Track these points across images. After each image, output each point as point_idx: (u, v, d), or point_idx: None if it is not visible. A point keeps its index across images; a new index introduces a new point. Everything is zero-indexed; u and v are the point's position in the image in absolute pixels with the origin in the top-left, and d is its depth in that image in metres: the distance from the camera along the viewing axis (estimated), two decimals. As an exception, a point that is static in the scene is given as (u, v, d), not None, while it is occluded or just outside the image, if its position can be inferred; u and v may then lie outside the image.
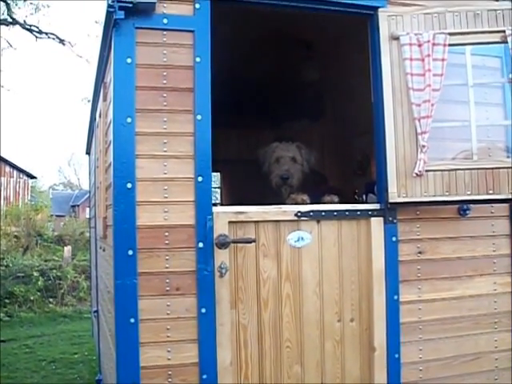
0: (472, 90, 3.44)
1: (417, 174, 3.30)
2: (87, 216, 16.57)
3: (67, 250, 15.28)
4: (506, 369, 3.66)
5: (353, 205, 3.52)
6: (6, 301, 12.23)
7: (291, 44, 5.40)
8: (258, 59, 5.48)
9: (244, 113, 5.94)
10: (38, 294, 12.76)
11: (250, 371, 3.27)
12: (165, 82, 3.14)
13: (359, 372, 3.44)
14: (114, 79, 3.09)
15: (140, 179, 3.07)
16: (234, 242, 3.21)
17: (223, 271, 3.14)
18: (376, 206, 3.49)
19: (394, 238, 3.45)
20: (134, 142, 3.07)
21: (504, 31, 3.38)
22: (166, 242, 3.09)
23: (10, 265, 13.83)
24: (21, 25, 18.48)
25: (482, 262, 3.65)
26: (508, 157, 3.50)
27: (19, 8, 18.42)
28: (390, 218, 3.45)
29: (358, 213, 3.46)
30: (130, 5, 2.99)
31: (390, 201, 3.37)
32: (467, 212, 3.59)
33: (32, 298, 12.53)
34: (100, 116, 4.35)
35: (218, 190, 7.14)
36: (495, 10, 3.43)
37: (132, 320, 3.01)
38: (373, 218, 3.45)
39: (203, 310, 3.12)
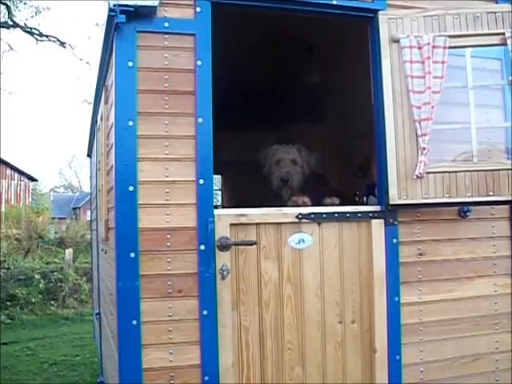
0: (472, 92, 3.45)
1: (417, 176, 3.31)
2: (88, 218, 16.59)
3: (68, 252, 15.26)
4: (507, 370, 3.66)
5: (354, 207, 3.53)
6: (8, 303, 12.23)
7: (292, 47, 5.42)
8: (258, 62, 5.50)
9: (245, 115, 5.94)
10: (40, 296, 12.75)
11: (251, 373, 3.28)
12: (166, 85, 3.15)
13: (360, 373, 3.45)
14: (115, 82, 3.10)
15: (142, 182, 3.08)
16: (236, 244, 3.22)
17: (225, 273, 3.16)
18: (377, 208, 3.51)
19: (394, 240, 3.46)
20: (136, 144, 3.08)
21: (504, 33, 3.39)
22: (168, 244, 3.11)
23: (12, 267, 13.83)
24: (21, 28, 18.52)
25: (482, 263, 3.66)
26: (508, 158, 3.51)
27: (20, 11, 18.49)
28: (391, 220, 3.46)
29: (359, 215, 3.47)
30: (132, 9, 3.00)
31: (391, 203, 3.38)
32: (467, 214, 3.60)
33: (33, 300, 12.52)
34: (101, 119, 4.37)
35: (220, 193, 7.15)
36: (495, 13, 3.44)
37: (134, 322, 3.02)
38: (373, 220, 3.46)
39: (205, 312, 3.13)
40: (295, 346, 3.35)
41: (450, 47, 3.37)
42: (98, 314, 6.08)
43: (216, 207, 3.27)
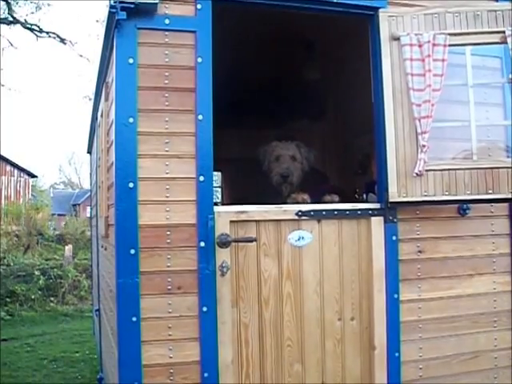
0: (472, 90, 3.45)
1: (417, 174, 3.31)
2: (88, 215, 16.60)
3: (68, 248, 15.28)
4: (506, 367, 3.68)
5: (353, 204, 3.54)
6: (8, 300, 12.24)
7: (292, 44, 5.41)
8: (259, 59, 5.49)
9: (245, 112, 5.94)
10: (39, 292, 12.77)
11: (251, 369, 3.29)
12: (166, 82, 3.16)
13: (359, 370, 3.46)
14: (116, 79, 3.11)
15: (142, 179, 3.09)
16: (235, 241, 3.23)
17: (224, 270, 3.16)
18: (376, 206, 3.51)
19: (394, 238, 3.46)
20: (136, 141, 3.08)
21: (504, 32, 3.39)
22: (168, 241, 3.11)
23: (11, 264, 13.85)
24: (22, 24, 18.49)
25: (481, 261, 3.67)
26: (508, 156, 3.52)
27: (20, 7, 18.45)
28: (391, 218, 3.46)
29: (359, 212, 3.48)
30: (132, 5, 3.00)
31: (391, 200, 3.39)
32: (467, 211, 3.61)
33: (33, 296, 12.54)
34: (102, 116, 4.37)
35: (219, 190, 7.14)
36: (495, 11, 3.44)
37: (134, 319, 3.03)
38: (373, 218, 3.46)
39: (204, 309, 3.13)
40: (294, 342, 3.36)
41: (450, 45, 3.37)
42: (98, 310, 6.09)
43: (216, 204, 3.27)
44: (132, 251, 3.04)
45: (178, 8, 3.19)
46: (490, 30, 3.43)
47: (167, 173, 3.13)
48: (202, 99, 3.18)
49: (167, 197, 3.13)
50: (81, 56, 33.14)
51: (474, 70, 3.47)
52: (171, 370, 3.09)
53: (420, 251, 3.53)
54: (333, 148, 6.27)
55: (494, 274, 3.69)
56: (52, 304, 12.76)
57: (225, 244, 3.16)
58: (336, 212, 3.45)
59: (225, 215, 3.22)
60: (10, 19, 18.05)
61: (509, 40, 3.38)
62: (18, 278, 13.00)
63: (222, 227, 3.19)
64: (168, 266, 3.11)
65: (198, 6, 3.20)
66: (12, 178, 28.24)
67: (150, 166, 3.11)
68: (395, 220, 3.47)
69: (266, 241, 3.33)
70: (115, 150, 3.10)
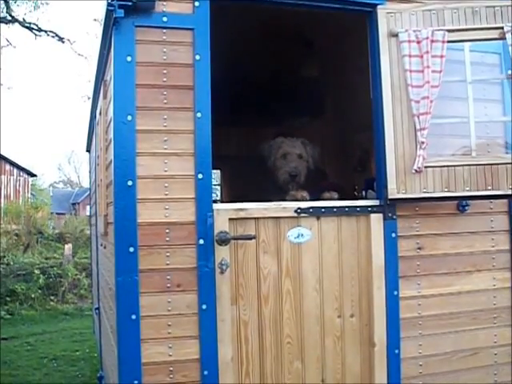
0: (471, 86, 3.45)
1: (416, 171, 3.31)
2: (87, 214, 16.59)
3: (68, 247, 15.29)
4: (505, 364, 3.68)
5: (352, 201, 3.54)
6: (8, 299, 12.26)
7: (291, 41, 5.41)
8: (257, 57, 5.49)
9: (244, 110, 5.93)
10: (39, 291, 12.78)
11: (250, 367, 3.29)
12: (165, 79, 3.15)
13: (359, 367, 3.46)
14: (114, 77, 3.10)
15: (141, 177, 3.08)
16: (235, 238, 3.23)
17: (224, 268, 3.16)
18: (375, 203, 3.51)
19: (393, 234, 3.46)
20: (135, 139, 3.08)
21: (502, 28, 3.39)
22: (167, 238, 3.11)
23: (11, 263, 13.86)
24: (20, 23, 18.47)
25: (481, 257, 3.67)
26: (507, 153, 3.52)
27: (18, 6, 18.42)
28: (390, 214, 3.46)
29: (358, 209, 3.48)
30: (130, 3, 2.99)
31: (390, 197, 3.38)
32: (466, 208, 3.60)
33: (33, 295, 12.55)
34: (100, 114, 4.37)
35: (219, 187, 7.14)
36: (493, 7, 3.43)
37: (133, 316, 3.03)
38: (372, 215, 3.46)
39: (204, 307, 3.13)
40: (294, 340, 3.36)
41: (449, 41, 3.36)
42: (98, 308, 6.09)
43: (215, 202, 3.27)
44: (131, 249, 3.04)
45: (175, 5, 3.18)
46: (489, 26, 3.42)
47: (166, 171, 3.13)
48: (201, 97, 3.18)
49: (166, 194, 3.12)
50: (79, 55, 33.13)
51: (473, 67, 3.47)
52: (171, 368, 3.09)
53: (419, 248, 3.53)
54: (332, 145, 6.26)
55: (493, 271, 3.69)
56: (52, 303, 12.77)
57: (224, 241, 3.16)
58: (335, 209, 3.44)
59: (224, 213, 3.22)
60: (9, 18, 18.03)
61: (507, 36, 3.37)
62: (17, 277, 13.01)
63: (221, 225, 3.18)
64: (167, 264, 3.10)
65: (196, 4, 3.20)
66: (11, 177, 28.23)
67: (148, 163, 3.10)
68: (394, 217, 3.47)
69: (266, 238, 3.33)
70: (114, 148, 3.10)
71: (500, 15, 3.42)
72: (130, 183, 3.05)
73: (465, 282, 3.62)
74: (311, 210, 3.39)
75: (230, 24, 4.18)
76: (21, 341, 9.60)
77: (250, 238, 3.26)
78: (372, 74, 3.55)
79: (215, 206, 3.22)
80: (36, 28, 18.85)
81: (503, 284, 3.70)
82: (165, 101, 3.15)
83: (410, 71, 3.33)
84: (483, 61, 3.60)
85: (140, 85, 3.10)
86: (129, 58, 3.08)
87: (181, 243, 3.13)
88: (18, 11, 18.53)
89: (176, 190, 3.14)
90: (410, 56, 3.34)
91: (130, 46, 3.09)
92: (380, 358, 3.42)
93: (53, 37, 19.26)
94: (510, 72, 3.46)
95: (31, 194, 29.88)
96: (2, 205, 23.09)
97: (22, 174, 29.02)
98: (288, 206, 3.38)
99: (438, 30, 3.37)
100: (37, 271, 13.17)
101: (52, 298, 12.92)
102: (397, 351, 3.44)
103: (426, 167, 3.32)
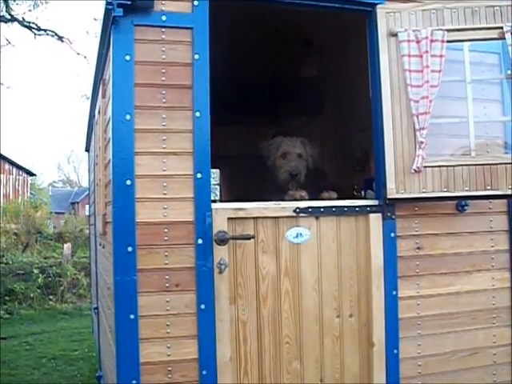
0: (470, 86, 3.44)
1: (415, 170, 3.30)
2: (87, 213, 16.59)
3: (67, 247, 15.30)
4: (505, 364, 3.68)
5: (351, 201, 3.53)
6: (6, 298, 12.24)
7: (291, 41, 5.41)
8: (257, 57, 5.49)
9: (243, 109, 5.94)
10: (38, 291, 12.77)
11: (249, 367, 3.28)
12: (163, 79, 3.14)
13: (358, 367, 3.45)
14: (112, 76, 3.10)
15: (139, 176, 3.08)
16: (233, 238, 3.22)
17: (222, 267, 3.16)
18: (374, 202, 3.50)
19: (392, 234, 3.46)
20: (133, 138, 3.07)
21: (502, 27, 3.38)
22: (166, 238, 3.10)
23: (10, 262, 13.86)
24: (19, 22, 18.47)
25: (480, 257, 3.66)
26: (506, 153, 3.51)
27: (17, 5, 18.42)
28: (389, 214, 3.46)
29: (357, 209, 3.47)
30: (129, 2, 2.99)
31: (389, 197, 3.38)
32: (465, 208, 3.60)
33: (32, 295, 12.54)
34: (99, 113, 4.36)
35: (217, 187, 7.15)
36: (493, 7, 3.43)
37: (132, 316, 3.02)
38: (371, 214, 3.46)
39: (202, 306, 3.13)
40: (293, 340, 3.35)
41: (448, 41, 3.36)
42: (97, 308, 6.09)
43: (214, 201, 3.26)
44: (129, 249, 3.03)
45: (174, 4, 3.17)
46: (488, 25, 3.41)
47: (164, 170, 3.12)
48: (199, 96, 3.17)
49: (165, 194, 3.12)
50: (78, 54, 33.08)
51: (472, 66, 3.46)
52: (169, 368, 3.08)
53: (418, 248, 3.52)
54: (331, 145, 6.26)
55: (492, 271, 3.68)
56: (51, 302, 12.76)
57: (223, 241, 3.16)
58: (334, 209, 3.44)
59: (222, 212, 3.21)
60: (8, 17, 18.03)
61: (507, 36, 3.36)
62: (16, 277, 13.00)
63: (219, 224, 3.18)
64: (166, 264, 3.10)
65: (195, 3, 3.19)
66: (11, 177, 28.22)
67: (147, 163, 3.10)
68: (393, 216, 3.47)
69: (264, 238, 3.32)
70: (112, 148, 3.09)
71: (499, 15, 3.42)
72: (128, 182, 3.05)
73: (464, 282, 3.62)
74: (310, 210, 3.38)
75: (229, 23, 4.18)
76: (20, 340, 9.59)
77: (249, 238, 3.25)
78: (371, 74, 3.55)
79: (214, 205, 3.21)
80: (35, 27, 18.87)
81: (502, 284, 3.70)
82: (163, 100, 3.14)
83: (410, 71, 3.33)
84: (482, 61, 3.59)
85: (139, 84, 3.10)
86: (127, 57, 3.07)
87: (179, 243, 3.12)
88: (18, 10, 18.57)
89: (175, 190, 3.13)
90: (409, 56, 3.34)
91: (128, 45, 3.08)
92: (379, 358, 3.42)
93: (52, 36, 19.30)
94: (509, 72, 3.46)
95: (30, 193, 29.86)
96: (1, 204, 23.08)
97: (21, 173, 29.02)
98: (287, 206, 3.38)
99: (438, 29, 3.36)
100: (36, 271, 13.17)
101: (51, 297, 12.92)
102: (396, 351, 3.44)
103: (425, 167, 3.31)
